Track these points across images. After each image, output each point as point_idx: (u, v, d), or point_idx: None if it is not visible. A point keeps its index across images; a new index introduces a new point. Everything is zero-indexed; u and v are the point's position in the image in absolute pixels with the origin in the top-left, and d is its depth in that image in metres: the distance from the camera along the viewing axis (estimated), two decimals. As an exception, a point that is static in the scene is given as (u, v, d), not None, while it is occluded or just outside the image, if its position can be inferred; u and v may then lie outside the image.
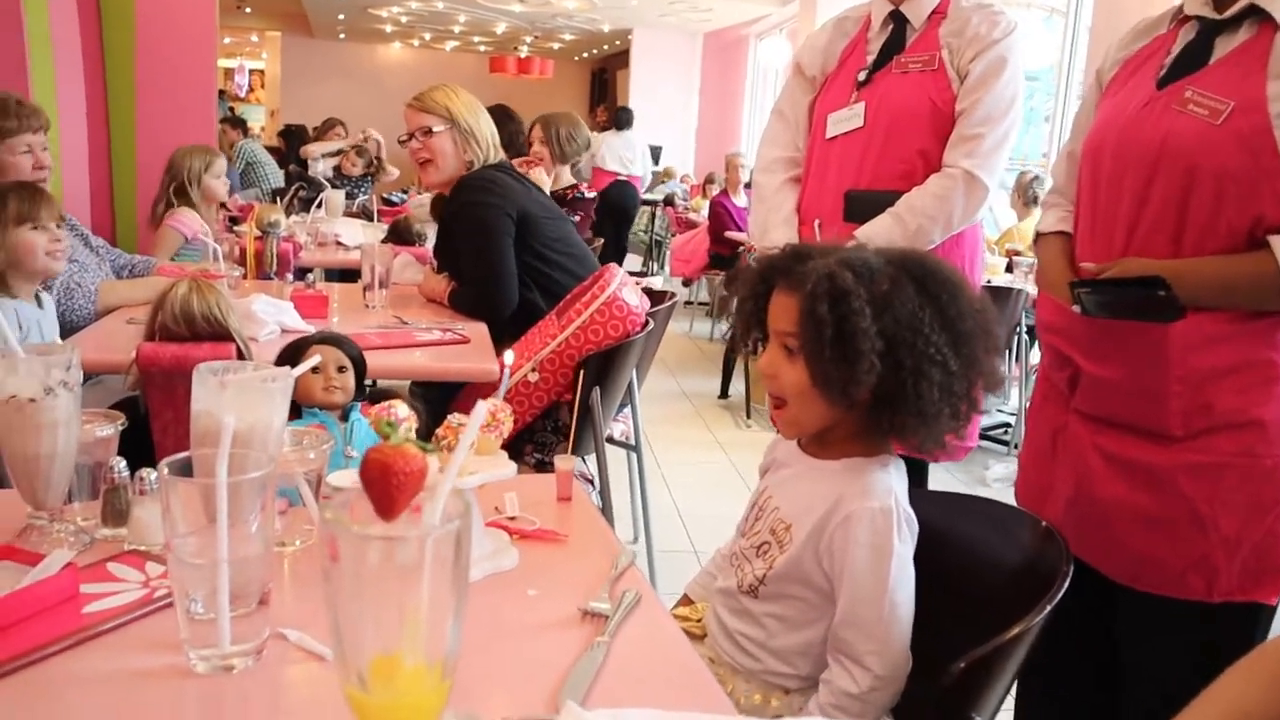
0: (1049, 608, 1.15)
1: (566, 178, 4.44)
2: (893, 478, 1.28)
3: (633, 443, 2.93)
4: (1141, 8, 1.70)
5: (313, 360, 1.23)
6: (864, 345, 1.17)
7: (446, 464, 0.71)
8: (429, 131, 2.82)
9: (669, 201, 8.86)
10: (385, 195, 7.12)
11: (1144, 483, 1.56)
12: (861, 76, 2.27)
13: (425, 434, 1.10)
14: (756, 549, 1.33)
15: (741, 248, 6.46)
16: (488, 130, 2.91)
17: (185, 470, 0.91)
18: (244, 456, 0.90)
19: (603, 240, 8.53)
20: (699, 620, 1.44)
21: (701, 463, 4.34)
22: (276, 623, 0.98)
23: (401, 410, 1.14)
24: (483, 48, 17.04)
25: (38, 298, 2.33)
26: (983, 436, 4.68)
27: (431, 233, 3.80)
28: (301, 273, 3.58)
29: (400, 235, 4.11)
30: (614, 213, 8.37)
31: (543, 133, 4.14)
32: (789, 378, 1.26)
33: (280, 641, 0.97)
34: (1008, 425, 4.73)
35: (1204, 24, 1.56)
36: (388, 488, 0.66)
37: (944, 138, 2.18)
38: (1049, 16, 7.13)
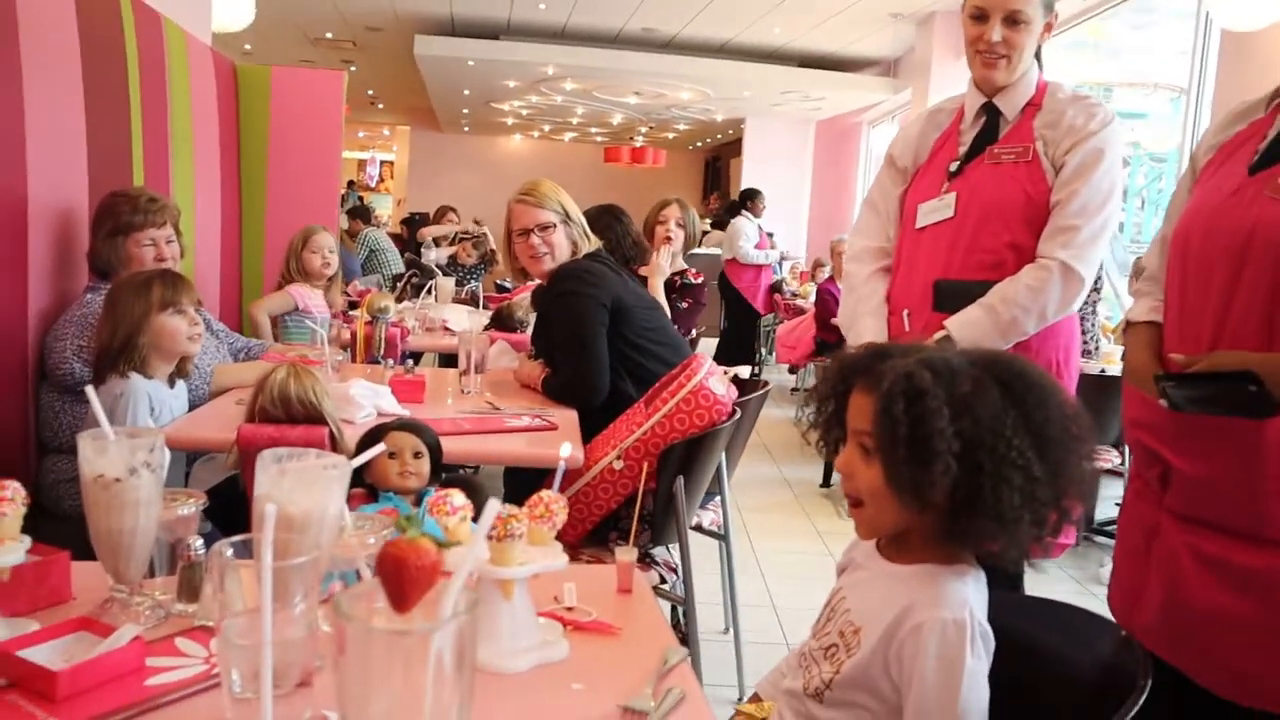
0: None
1: (679, 262, 4.47)
2: (969, 588, 1.22)
3: (722, 532, 2.90)
4: (1263, 89, 1.65)
5: (375, 450, 1.27)
6: (939, 446, 1.14)
7: (460, 559, 0.72)
8: (545, 227, 2.91)
9: (776, 288, 8.88)
10: (498, 282, 7.34)
11: (1244, 588, 1.48)
12: (953, 167, 2.26)
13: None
14: (825, 651, 1.30)
15: (848, 335, 6.40)
16: (583, 219, 3.01)
17: (246, 551, 0.95)
18: (295, 542, 0.94)
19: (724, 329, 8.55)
20: (764, 719, 1.41)
21: (799, 553, 4.26)
22: (321, 704, 1.00)
23: (458, 500, 1.17)
24: (599, 138, 17.57)
25: (171, 380, 2.45)
26: (1099, 532, 4.49)
27: (532, 320, 3.89)
28: (412, 357, 3.71)
29: (502, 321, 4.22)
30: (740, 302, 8.37)
31: (681, 214, 4.15)
32: (865, 478, 1.23)
33: (323, 723, 0.99)
34: (1125, 522, 4.51)
35: None
36: (401, 581, 0.68)
37: (1036, 230, 2.15)
38: (1176, 98, 6.99)
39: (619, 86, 11.65)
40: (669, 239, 4.01)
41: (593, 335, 2.77)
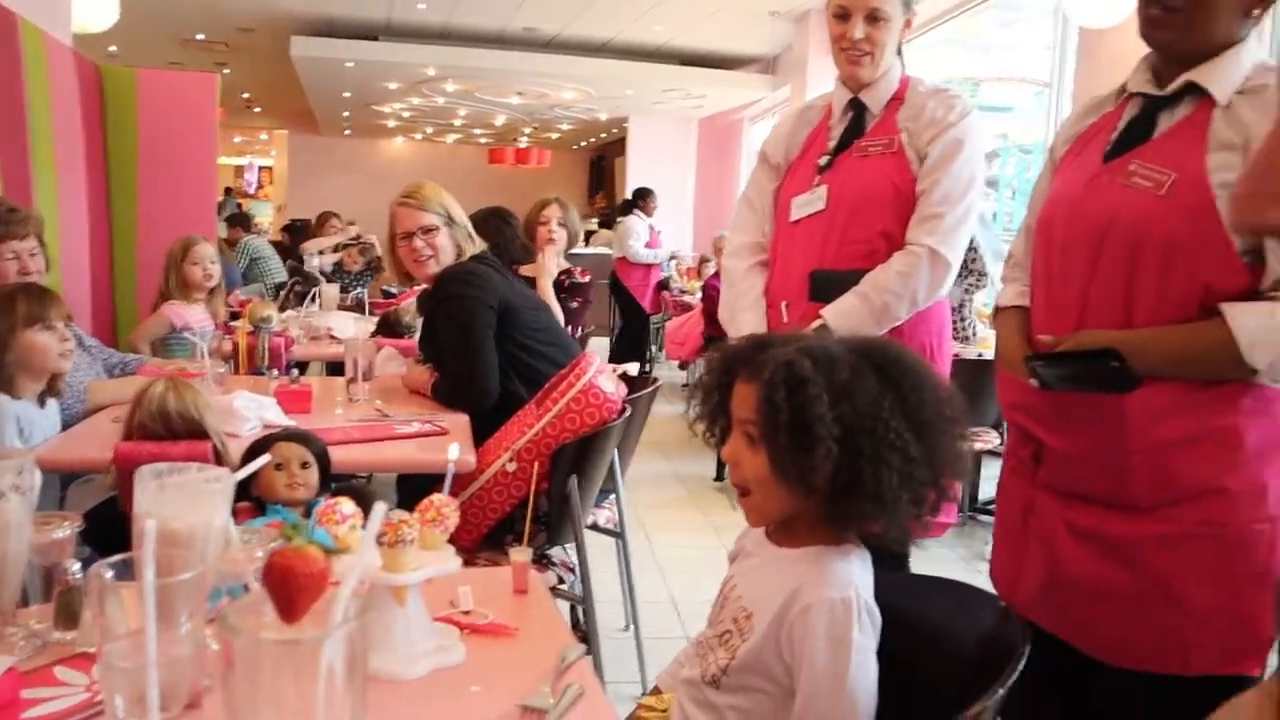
0: (1001, 691, 1.14)
1: (562, 261, 4.45)
2: (854, 568, 1.26)
3: (618, 529, 2.92)
4: (1115, 82, 1.74)
5: (260, 461, 1.24)
6: (820, 432, 1.17)
7: (349, 567, 0.72)
8: (429, 230, 2.88)
9: (664, 285, 8.95)
10: (384, 288, 7.22)
11: (1113, 557, 1.56)
12: (823, 161, 2.33)
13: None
14: (720, 638, 1.32)
15: (737, 329, 6.49)
16: (467, 221, 2.99)
17: (127, 572, 0.92)
18: (179, 558, 0.92)
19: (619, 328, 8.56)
20: (664, 711, 1.43)
21: (696, 547, 4.31)
22: (212, 724, 0.98)
23: (346, 508, 1.15)
24: (483, 139, 17.42)
25: (41, 399, 2.34)
26: (983, 510, 4.66)
27: (419, 324, 3.85)
28: (298, 367, 3.63)
29: (390, 328, 4.16)
30: (632, 301, 8.40)
31: (562, 214, 4.14)
32: (751, 466, 1.26)
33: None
34: (1005, 501, 4.69)
35: (1147, 100, 1.61)
36: (288, 590, 0.68)
37: (905, 218, 2.22)
38: (1041, 92, 7.28)
39: (501, 87, 11.58)
40: (552, 239, 4.00)
41: (481, 338, 2.76)
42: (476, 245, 2.98)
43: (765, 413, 1.21)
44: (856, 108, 2.33)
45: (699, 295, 8.04)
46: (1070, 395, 1.57)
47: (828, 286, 2.25)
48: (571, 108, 12.98)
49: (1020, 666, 1.18)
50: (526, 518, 1.98)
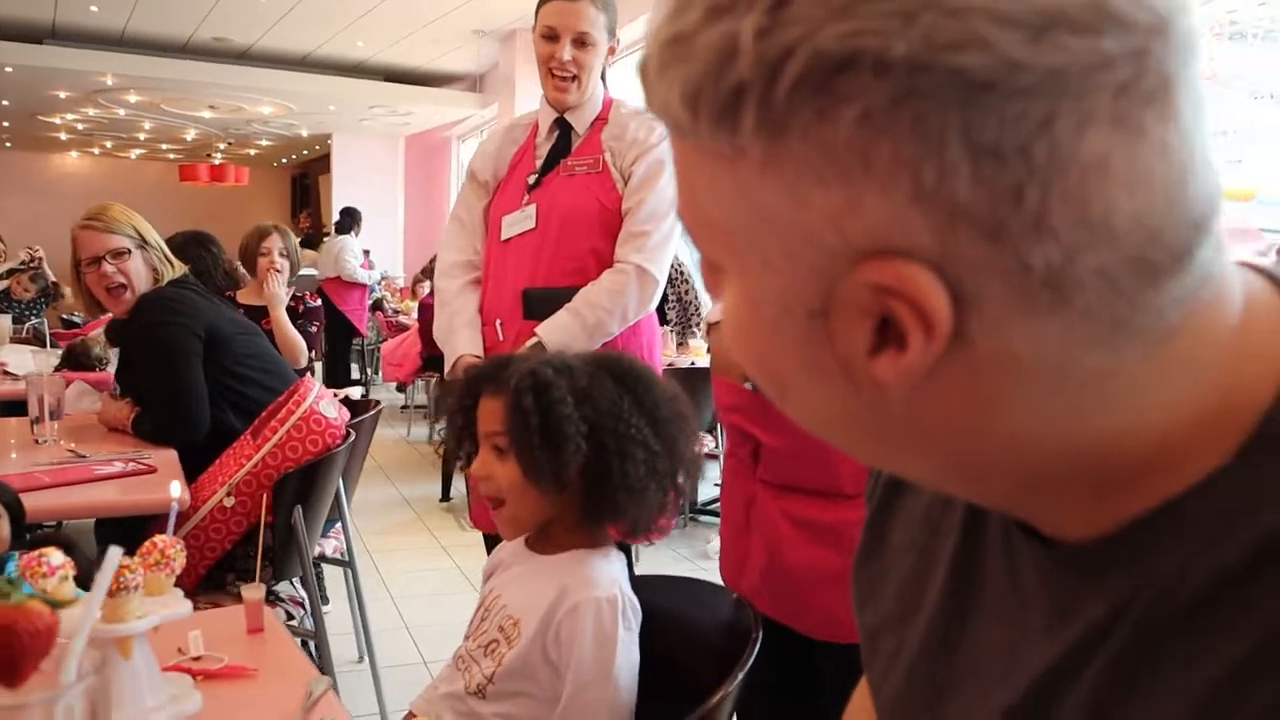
0: (740, 674, 1.23)
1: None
2: (615, 567, 1.34)
3: (347, 559, 2.82)
4: None
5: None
6: (569, 429, 1.25)
7: (80, 617, 0.66)
8: (119, 253, 2.65)
9: (377, 306, 8.74)
10: (64, 316, 6.57)
11: (826, 541, 1.69)
12: (532, 180, 2.37)
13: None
14: (484, 648, 1.34)
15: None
16: (163, 243, 2.79)
17: None
18: None
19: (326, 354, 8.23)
20: None
21: (427, 570, 4.24)
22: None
23: (55, 559, 1.05)
24: (171, 155, 16.26)
25: None
26: (703, 511, 4.88)
27: (114, 357, 3.54)
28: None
29: (77, 360, 3.79)
30: (341, 322, 8.08)
31: (283, 243, 3.98)
32: (501, 476, 1.31)
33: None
34: (721, 500, 4.94)
35: None
36: (13, 651, 0.61)
37: (612, 235, 2.31)
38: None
39: (191, 100, 10.85)
40: (276, 269, 3.84)
41: (185, 367, 2.57)
42: (176, 269, 2.77)
43: (514, 419, 1.27)
44: (563, 127, 2.40)
45: (414, 315, 7.91)
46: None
47: (541, 304, 2.30)
48: (270, 123, 12.38)
49: (755, 650, 1.27)
50: (257, 554, 1.88)
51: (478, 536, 4.72)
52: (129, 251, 2.66)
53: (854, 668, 1.74)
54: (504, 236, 2.35)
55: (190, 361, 2.58)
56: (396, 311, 8.63)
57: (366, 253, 8.68)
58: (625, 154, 2.31)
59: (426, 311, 6.95)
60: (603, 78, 2.42)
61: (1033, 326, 0.41)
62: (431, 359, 6.87)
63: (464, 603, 3.81)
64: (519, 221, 2.33)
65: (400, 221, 13.09)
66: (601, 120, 2.38)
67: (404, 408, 7.99)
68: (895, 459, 0.53)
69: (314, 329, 4.01)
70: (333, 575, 2.90)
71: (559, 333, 2.21)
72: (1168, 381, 0.44)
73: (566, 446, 1.24)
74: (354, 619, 3.00)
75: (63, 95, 10.72)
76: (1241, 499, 0.43)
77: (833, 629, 1.69)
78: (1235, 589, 0.42)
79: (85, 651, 0.64)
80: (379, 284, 9.31)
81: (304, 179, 17.44)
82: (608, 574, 1.31)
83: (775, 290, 0.45)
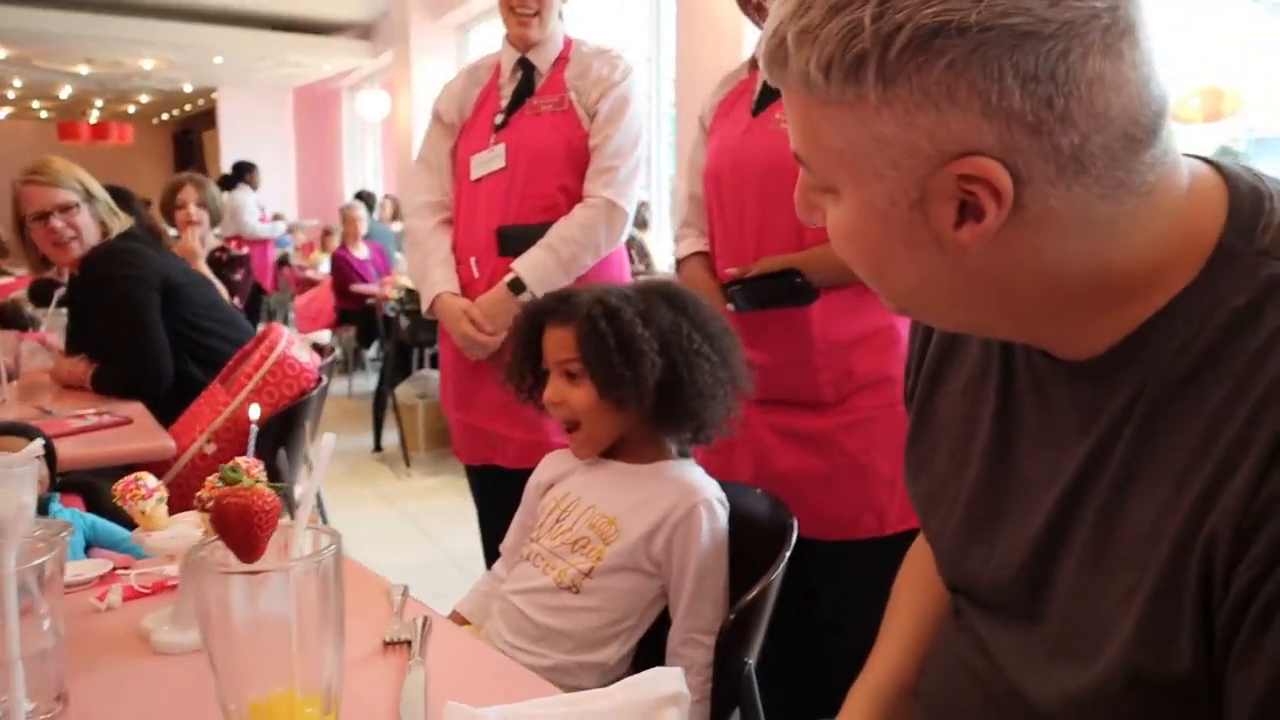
0: (788, 553, 1.38)
1: (213, 239, 4.27)
2: (699, 471, 1.49)
3: (319, 509, 2.85)
4: (715, 55, 2.01)
5: (36, 447, 1.13)
6: (643, 346, 1.38)
7: (302, 501, 0.73)
8: (67, 207, 2.61)
9: (284, 261, 8.56)
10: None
11: (811, 448, 1.84)
12: (498, 120, 2.42)
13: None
14: (573, 545, 1.43)
15: (371, 300, 6.38)
16: (108, 196, 2.75)
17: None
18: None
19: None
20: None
21: (370, 520, 4.27)
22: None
23: (150, 481, 1.11)
24: (45, 114, 15.44)
25: None
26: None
27: (43, 317, 3.45)
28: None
29: (10, 321, 3.67)
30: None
31: (199, 194, 3.90)
32: (577, 399, 1.43)
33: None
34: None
35: None
36: (249, 527, 0.68)
37: (580, 172, 2.37)
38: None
39: (66, 54, 10.33)
40: (193, 221, 3.77)
41: (147, 319, 2.56)
42: (123, 221, 2.74)
43: (589, 344, 1.39)
44: (526, 67, 2.43)
45: (323, 269, 7.79)
46: (762, 314, 1.82)
47: (515, 241, 2.35)
48: (151, 77, 11.87)
49: (794, 536, 1.41)
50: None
51: (415, 482, 4.80)
52: (77, 205, 2.62)
53: (843, 565, 1.89)
54: (474, 176, 2.39)
55: (150, 314, 2.57)
56: (303, 267, 8.46)
57: (262, 206, 8.48)
58: (589, 92, 2.37)
59: (339, 264, 6.86)
60: (560, 17, 2.46)
61: (1065, 191, 0.62)
62: (345, 311, 6.80)
63: (414, 544, 3.89)
64: (488, 161, 2.37)
65: (293, 175, 12.76)
66: (563, 59, 2.42)
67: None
68: (963, 312, 0.72)
69: (237, 277, 3.95)
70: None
71: (536, 269, 2.27)
72: (1153, 223, 0.65)
73: (643, 362, 1.37)
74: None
75: (-79, 51, 10.10)
76: (1214, 294, 0.64)
77: (821, 525, 1.83)
78: (1220, 350, 0.63)
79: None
80: (287, 236, 9.09)
81: (188, 135, 16.79)
82: (703, 477, 1.46)
83: (884, 192, 0.65)
